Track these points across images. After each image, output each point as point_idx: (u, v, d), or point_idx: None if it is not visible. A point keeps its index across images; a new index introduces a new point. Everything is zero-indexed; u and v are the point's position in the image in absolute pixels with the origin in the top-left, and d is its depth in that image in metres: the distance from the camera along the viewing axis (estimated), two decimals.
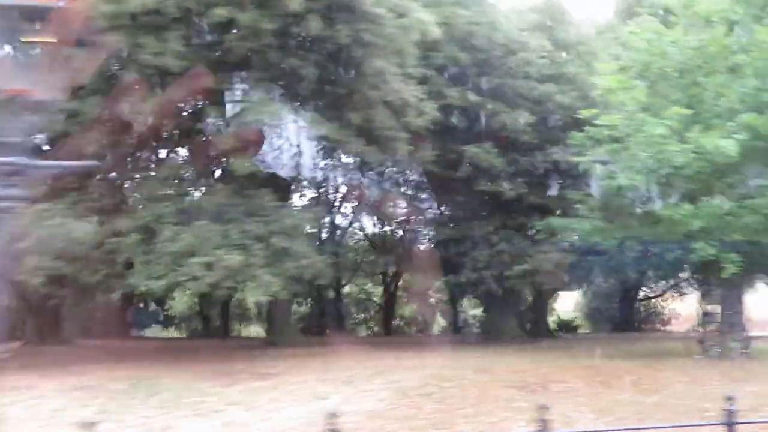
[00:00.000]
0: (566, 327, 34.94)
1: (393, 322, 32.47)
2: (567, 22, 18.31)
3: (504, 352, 16.98)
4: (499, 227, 18.50)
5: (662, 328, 35.79)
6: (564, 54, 17.23)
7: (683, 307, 36.94)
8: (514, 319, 21.92)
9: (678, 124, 12.88)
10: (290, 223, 12.18)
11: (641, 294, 34.78)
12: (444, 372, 12.97)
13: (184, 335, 30.77)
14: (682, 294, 35.74)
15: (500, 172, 17.08)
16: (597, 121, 13.52)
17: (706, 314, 17.74)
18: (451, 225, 18.86)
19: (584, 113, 13.60)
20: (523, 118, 15.91)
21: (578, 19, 18.85)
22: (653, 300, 36.50)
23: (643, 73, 14.98)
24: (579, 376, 12.38)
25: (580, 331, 34.36)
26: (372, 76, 12.06)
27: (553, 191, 17.70)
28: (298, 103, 11.66)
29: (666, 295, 36.46)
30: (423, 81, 15.13)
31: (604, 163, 14.11)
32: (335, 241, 24.86)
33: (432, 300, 32.01)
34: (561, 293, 37.04)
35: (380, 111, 12.68)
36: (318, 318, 31.66)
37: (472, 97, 16.15)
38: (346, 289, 35.18)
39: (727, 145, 11.90)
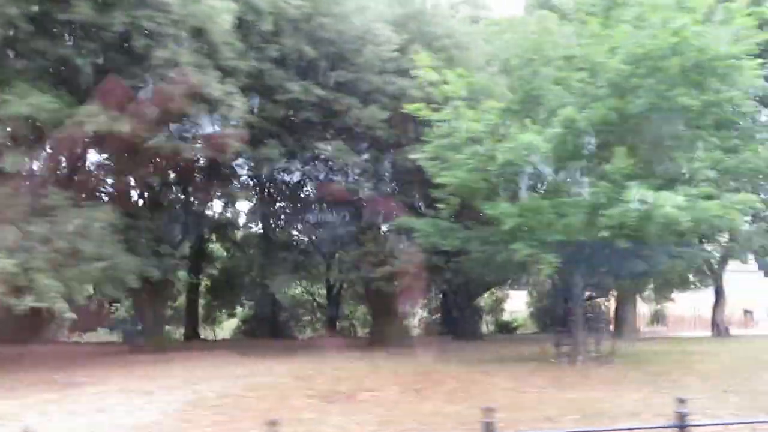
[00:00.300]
0: (505, 328, 34.76)
1: (338, 324, 32.32)
2: (433, 15, 17.67)
3: (363, 358, 16.53)
4: (366, 228, 17.87)
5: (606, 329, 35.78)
6: (421, 47, 16.50)
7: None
8: (400, 321, 21.38)
9: (497, 118, 12.31)
10: (81, 223, 11.37)
11: (586, 294, 34.83)
12: (261, 380, 12.54)
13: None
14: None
15: (359, 171, 16.44)
16: (424, 117, 12.92)
17: (565, 316, 17.17)
18: (315, 225, 18.14)
19: (408, 108, 12.96)
20: (371, 112, 15.21)
21: (450, 12, 18.19)
22: (597, 300, 36.53)
23: (502, 66, 14.49)
24: (401, 384, 11.91)
25: (520, 331, 34.18)
26: (162, 67, 11.29)
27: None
28: (81, 96, 10.81)
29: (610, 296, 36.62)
30: (255, 75, 14.40)
31: (437, 159, 13.46)
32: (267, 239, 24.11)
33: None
34: (513, 293, 37.25)
35: (186, 105, 11.91)
36: (259, 320, 31.32)
37: (319, 91, 15.42)
38: (292, 291, 34.92)
39: (533, 140, 11.31)
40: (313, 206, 17.78)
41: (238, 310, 33.44)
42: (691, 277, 22.01)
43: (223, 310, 34.36)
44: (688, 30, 10.97)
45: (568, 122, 11.78)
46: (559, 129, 11.57)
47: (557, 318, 36.35)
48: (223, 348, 21.18)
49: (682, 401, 5.72)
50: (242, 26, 13.84)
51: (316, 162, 15.83)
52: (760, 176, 13.29)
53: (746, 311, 44.21)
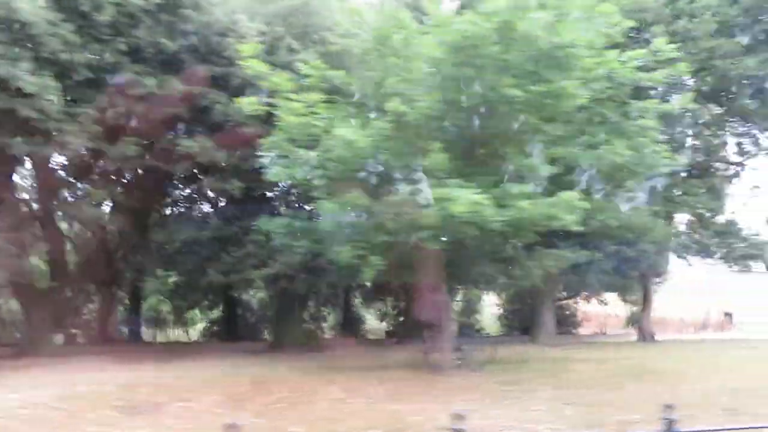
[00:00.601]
0: (466, 329, 34.24)
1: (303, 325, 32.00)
2: (319, 8, 16.95)
3: (237, 364, 16.04)
4: (249, 228, 17.16)
5: (573, 331, 35.59)
6: (296, 41, 15.84)
7: (601, 309, 36.88)
8: (300, 324, 20.74)
9: (324, 111, 11.58)
10: None
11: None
12: (86, 388, 12.24)
13: None
14: (590, 297, 35.85)
15: (230, 168, 15.77)
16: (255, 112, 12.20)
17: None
18: (194, 225, 17.44)
19: (240, 101, 12.23)
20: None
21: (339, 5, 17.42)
22: (565, 302, 36.07)
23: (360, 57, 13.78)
24: (228, 393, 11.62)
25: (484, 334, 33.67)
26: None
27: None
28: None
29: (579, 298, 36.35)
30: (109, 69, 13.81)
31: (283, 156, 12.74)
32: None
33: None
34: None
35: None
36: (226, 323, 31.18)
37: (181, 85, 14.77)
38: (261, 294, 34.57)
39: (346, 134, 10.58)
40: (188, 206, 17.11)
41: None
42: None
43: (193, 312, 34.21)
44: (508, 15, 10.19)
45: (398, 115, 11.07)
46: (385, 123, 10.85)
47: (527, 320, 35.93)
48: (131, 352, 20.63)
49: (460, 417, 5.32)
50: (84, 17, 13.26)
51: (182, 160, 15.10)
52: (623, 173, 12.44)
53: (726, 313, 43.27)
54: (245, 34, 14.93)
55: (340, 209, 11.23)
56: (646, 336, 22.37)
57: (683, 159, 13.35)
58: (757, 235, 23.16)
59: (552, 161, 11.93)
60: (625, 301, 38.53)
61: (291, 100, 11.69)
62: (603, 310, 38.31)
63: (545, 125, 11.57)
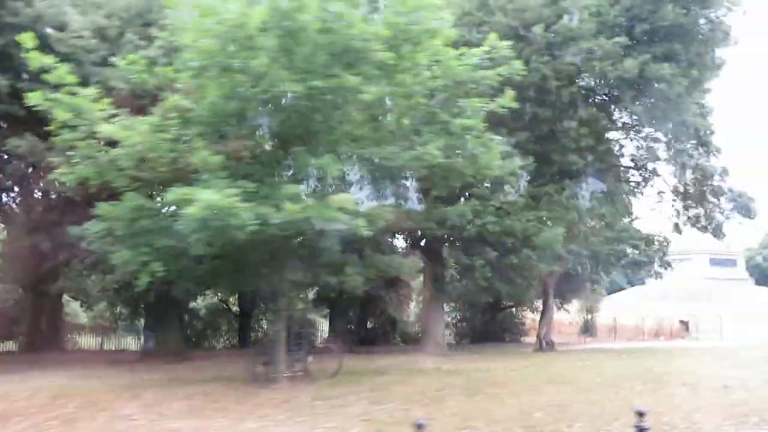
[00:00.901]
0: (408, 338, 33.69)
1: (252, 333, 31.12)
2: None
3: (91, 374, 15.43)
4: None
5: (521, 339, 35.26)
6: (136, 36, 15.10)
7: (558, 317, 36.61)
8: (176, 333, 19.96)
9: (106, 106, 10.79)
10: None
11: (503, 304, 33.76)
12: None
13: None
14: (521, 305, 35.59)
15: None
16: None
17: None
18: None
19: (28, 96, 11.40)
20: None
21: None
22: (512, 310, 35.78)
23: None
24: (10, 409, 10.80)
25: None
26: None
27: None
28: None
29: (523, 306, 36.01)
30: None
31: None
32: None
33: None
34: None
35: None
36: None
37: (4, 81, 14.03)
38: (208, 301, 33.79)
39: (109, 130, 9.83)
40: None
41: None
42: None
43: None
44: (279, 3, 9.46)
45: (181, 111, 10.34)
46: (155, 118, 10.11)
47: (475, 329, 35.47)
48: (29, 361, 19.63)
49: None
50: None
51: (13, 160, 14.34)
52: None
53: (681, 321, 43.21)
54: (79, 29, 14.20)
55: (118, 211, 10.41)
56: (542, 344, 21.63)
57: (518, 161, 12.61)
58: (666, 242, 22.64)
59: (364, 161, 11.25)
60: (580, 308, 38.19)
61: (73, 94, 10.87)
62: (558, 318, 37.92)
63: (347, 125, 10.84)
